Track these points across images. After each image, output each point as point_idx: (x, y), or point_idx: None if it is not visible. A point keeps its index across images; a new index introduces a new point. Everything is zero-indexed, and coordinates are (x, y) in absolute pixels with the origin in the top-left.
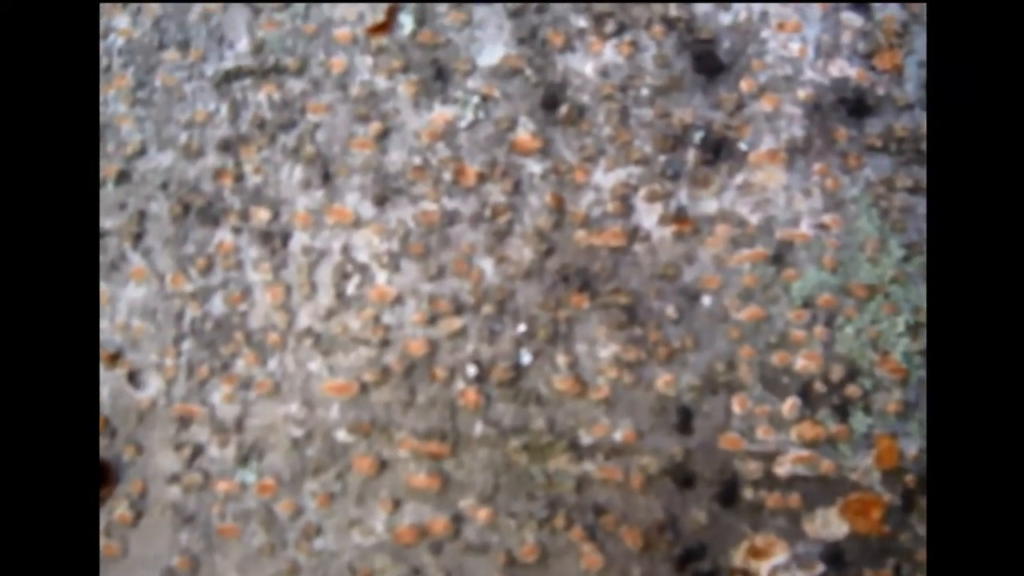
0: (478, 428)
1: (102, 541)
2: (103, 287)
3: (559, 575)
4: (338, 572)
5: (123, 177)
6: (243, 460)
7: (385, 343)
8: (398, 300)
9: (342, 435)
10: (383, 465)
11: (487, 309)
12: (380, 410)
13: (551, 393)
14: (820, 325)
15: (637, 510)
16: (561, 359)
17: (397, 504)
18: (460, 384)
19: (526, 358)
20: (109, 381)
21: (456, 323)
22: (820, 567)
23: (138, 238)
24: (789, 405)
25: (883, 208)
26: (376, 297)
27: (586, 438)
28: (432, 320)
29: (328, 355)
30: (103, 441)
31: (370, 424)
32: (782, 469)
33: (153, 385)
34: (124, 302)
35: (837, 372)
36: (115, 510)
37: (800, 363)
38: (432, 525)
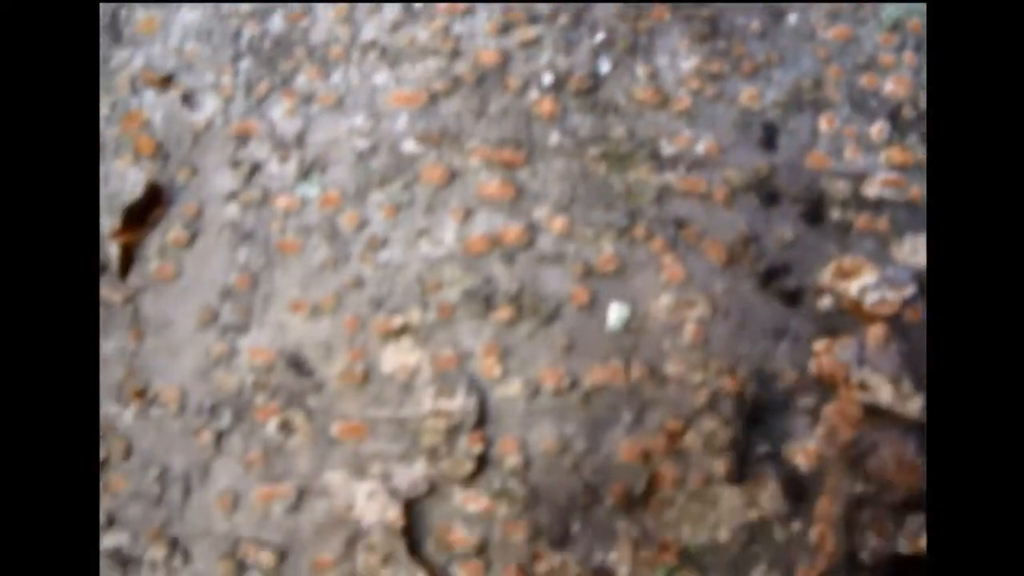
0: (554, 137)
1: (155, 263)
2: (154, 13)
3: (638, 287)
4: (405, 284)
5: None
6: (305, 174)
7: (456, 53)
8: (469, 10)
9: (410, 146)
10: (453, 175)
11: (563, 19)
12: (450, 120)
13: (630, 103)
14: (909, 50)
15: (720, 224)
16: (641, 70)
17: (468, 213)
18: (535, 94)
19: (604, 67)
20: (161, 105)
21: (530, 32)
22: (911, 288)
23: None
24: (877, 128)
25: None
26: (446, 8)
27: (667, 148)
28: (505, 29)
29: (395, 67)
30: (155, 165)
31: (439, 134)
32: (871, 190)
33: (209, 105)
34: (178, 25)
35: (926, 99)
36: (168, 232)
37: (889, 87)
38: (505, 234)
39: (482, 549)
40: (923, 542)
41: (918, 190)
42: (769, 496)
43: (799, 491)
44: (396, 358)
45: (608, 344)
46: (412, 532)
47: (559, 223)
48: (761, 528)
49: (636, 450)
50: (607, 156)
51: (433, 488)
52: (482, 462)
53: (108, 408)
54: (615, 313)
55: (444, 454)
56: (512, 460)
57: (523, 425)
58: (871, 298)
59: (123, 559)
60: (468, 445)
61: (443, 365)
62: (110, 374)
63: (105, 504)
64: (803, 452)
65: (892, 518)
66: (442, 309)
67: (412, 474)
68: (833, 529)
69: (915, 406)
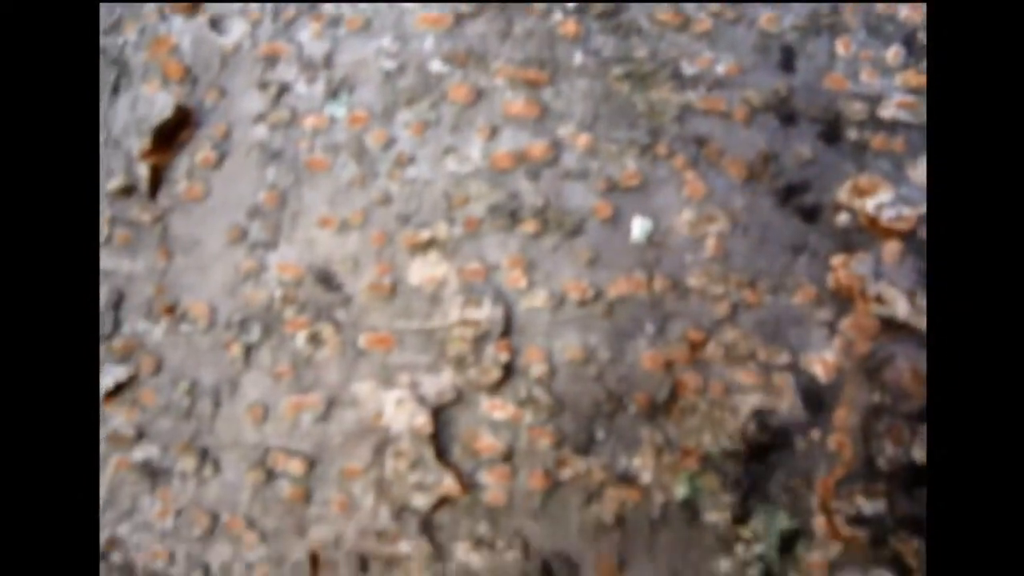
0: (577, 58)
1: (184, 184)
2: None
3: (661, 202)
4: (432, 200)
5: None
6: (333, 94)
7: None
8: None
9: (437, 66)
10: (479, 94)
11: None
12: (476, 41)
13: (652, 25)
14: None
15: (740, 142)
16: None
17: (494, 131)
18: (559, 15)
19: None
20: (189, 30)
21: None
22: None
23: None
24: (893, 52)
25: None
26: None
27: (689, 69)
28: None
29: None
30: (183, 89)
31: (466, 54)
32: (886, 112)
33: (237, 29)
34: None
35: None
36: (197, 153)
37: (904, 12)
38: (530, 151)
39: (508, 455)
40: None
41: None
42: (788, 406)
43: (817, 401)
44: (423, 271)
45: (631, 257)
46: (439, 439)
47: (583, 140)
48: (781, 436)
49: (659, 359)
50: (630, 76)
51: (460, 396)
52: (508, 371)
53: (137, 325)
54: (638, 227)
55: (471, 363)
56: (537, 369)
57: (548, 335)
58: (887, 215)
59: (153, 471)
60: (495, 353)
61: (470, 277)
62: (139, 292)
63: (135, 418)
64: (821, 363)
65: (908, 427)
66: (468, 223)
67: (439, 383)
68: (851, 438)
69: None
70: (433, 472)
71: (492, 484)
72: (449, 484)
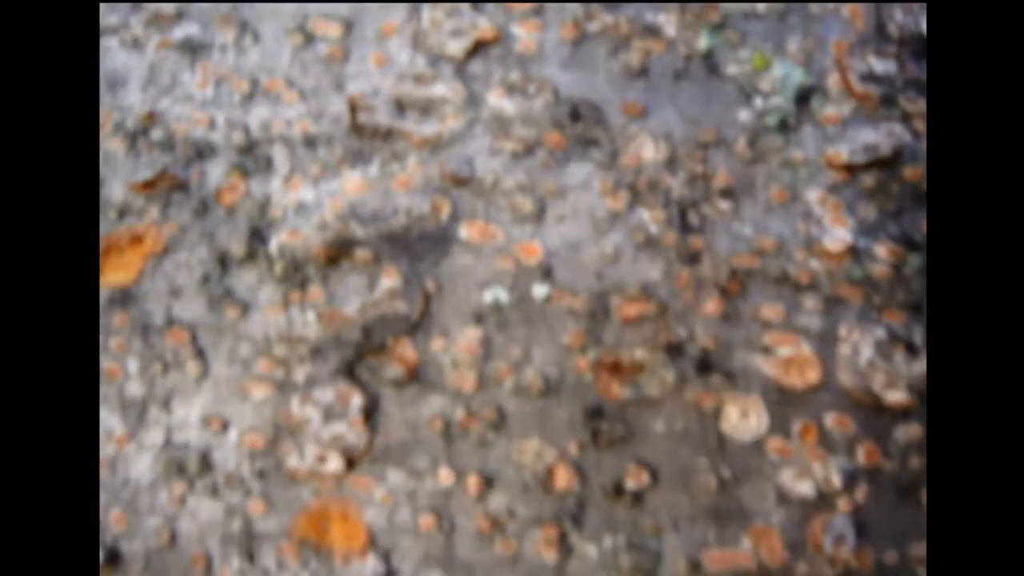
0: None
1: None
2: None
3: None
4: None
5: None
6: None
7: None
8: None
9: None
10: None
11: None
12: None
13: None
14: None
15: None
16: None
17: None
18: None
19: None
20: None
21: None
22: None
23: None
24: None
25: None
26: None
27: None
28: None
29: None
30: None
31: None
32: None
33: None
34: None
35: None
36: None
37: None
38: None
39: (539, 9)
40: None
41: None
42: None
43: None
44: None
45: None
46: None
47: None
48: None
49: None
50: None
51: None
52: None
53: None
54: None
55: None
56: None
57: None
58: None
59: (193, 47)
60: None
61: None
62: None
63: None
64: None
65: None
66: None
67: None
68: (863, 6)
69: None
70: (468, 18)
71: (523, 35)
72: (484, 27)
